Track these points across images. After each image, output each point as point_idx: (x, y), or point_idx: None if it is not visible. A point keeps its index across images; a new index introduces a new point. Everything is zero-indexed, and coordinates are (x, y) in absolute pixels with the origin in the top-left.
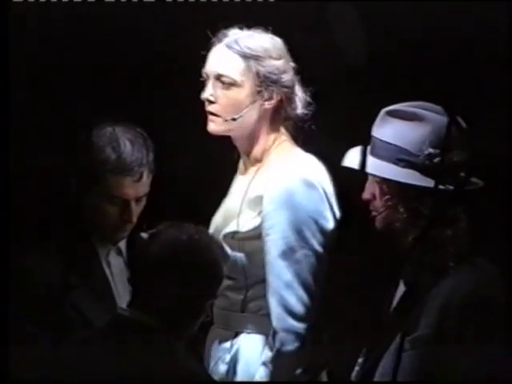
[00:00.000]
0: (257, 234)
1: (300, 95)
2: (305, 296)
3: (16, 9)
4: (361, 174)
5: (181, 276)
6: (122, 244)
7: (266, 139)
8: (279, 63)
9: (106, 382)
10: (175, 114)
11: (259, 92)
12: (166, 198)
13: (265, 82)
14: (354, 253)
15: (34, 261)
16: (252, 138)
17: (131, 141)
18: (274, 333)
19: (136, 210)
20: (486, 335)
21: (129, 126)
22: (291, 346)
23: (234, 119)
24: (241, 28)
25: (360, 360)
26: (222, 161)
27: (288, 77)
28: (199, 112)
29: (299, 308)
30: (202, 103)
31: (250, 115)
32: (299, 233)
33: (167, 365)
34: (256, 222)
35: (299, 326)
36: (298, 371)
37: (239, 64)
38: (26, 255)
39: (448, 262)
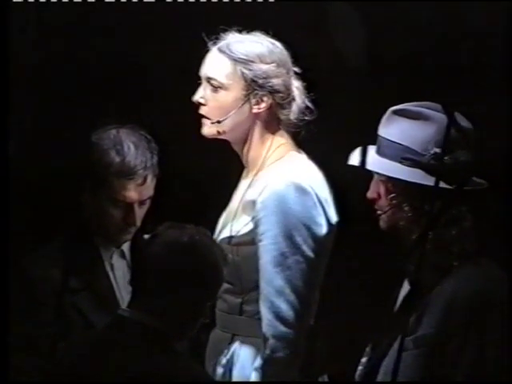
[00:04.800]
0: (250, 240)
1: (298, 101)
2: (296, 302)
3: (16, 9)
4: (363, 175)
5: (180, 277)
6: (126, 247)
7: (261, 143)
8: (268, 67)
9: (106, 382)
10: (178, 116)
11: (246, 96)
12: (169, 200)
13: (251, 86)
14: (358, 252)
15: (37, 263)
16: (247, 142)
17: (135, 144)
18: (265, 339)
19: (140, 213)
20: (489, 335)
21: (133, 128)
22: (282, 352)
23: (218, 122)
24: (240, 31)
25: (363, 359)
26: (226, 164)
27: (278, 81)
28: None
29: (290, 314)
30: None
31: (238, 118)
32: (290, 239)
33: (167, 365)
34: (250, 226)
35: (290, 333)
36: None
37: (227, 67)
38: (28, 258)
39: (452, 262)
